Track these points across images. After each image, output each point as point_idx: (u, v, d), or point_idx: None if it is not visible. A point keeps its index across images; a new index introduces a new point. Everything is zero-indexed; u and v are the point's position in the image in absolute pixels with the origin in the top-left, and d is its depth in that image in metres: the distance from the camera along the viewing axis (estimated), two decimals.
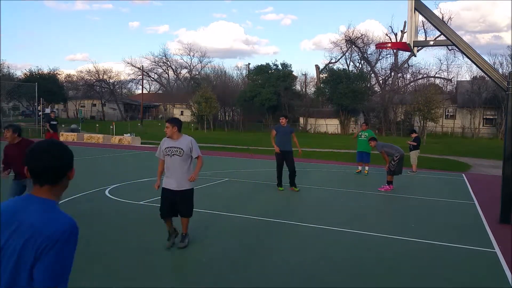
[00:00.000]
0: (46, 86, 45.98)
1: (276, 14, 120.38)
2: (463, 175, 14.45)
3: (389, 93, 44.14)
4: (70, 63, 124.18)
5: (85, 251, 5.40)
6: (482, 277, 4.95)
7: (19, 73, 76.98)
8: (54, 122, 17.61)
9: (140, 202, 8.32)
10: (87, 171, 12.86)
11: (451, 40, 7.72)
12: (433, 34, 41.22)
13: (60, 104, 60.62)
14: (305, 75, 60.40)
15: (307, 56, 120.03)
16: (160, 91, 78.20)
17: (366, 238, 6.35)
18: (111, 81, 61.24)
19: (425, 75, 48.89)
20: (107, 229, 6.54)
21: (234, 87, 52.83)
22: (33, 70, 54.55)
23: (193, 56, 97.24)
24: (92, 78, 59.59)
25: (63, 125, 26.32)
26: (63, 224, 1.59)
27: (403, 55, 47.38)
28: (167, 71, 74.59)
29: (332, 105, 45.29)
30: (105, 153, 18.75)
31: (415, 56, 10.18)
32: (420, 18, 8.40)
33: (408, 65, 48.71)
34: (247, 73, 56.69)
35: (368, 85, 45.46)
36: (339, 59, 52.72)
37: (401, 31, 45.31)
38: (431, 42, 10.12)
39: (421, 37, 36.42)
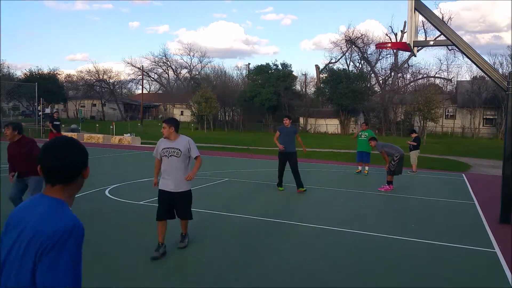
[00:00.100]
0: (46, 86, 46.01)
1: (276, 14, 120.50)
2: (463, 175, 14.45)
3: (389, 93, 44.14)
4: (70, 63, 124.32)
5: (85, 251, 5.38)
6: (482, 277, 4.95)
7: (19, 73, 77.11)
8: (57, 122, 17.56)
9: (140, 202, 8.32)
10: None
11: (451, 40, 7.72)
12: (433, 34, 41.28)
13: (60, 104, 60.62)
14: (305, 75, 60.49)
15: (307, 56, 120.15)
16: (160, 91, 78.21)
17: (366, 238, 6.35)
18: (111, 81, 61.29)
19: (425, 75, 48.93)
20: (107, 229, 6.54)
21: (234, 87, 52.84)
22: (33, 70, 54.66)
23: (193, 56, 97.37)
24: (92, 78, 59.64)
25: (63, 125, 26.26)
26: (65, 224, 1.53)
27: (403, 55, 47.45)
28: (167, 71, 74.63)
29: (332, 105, 45.28)
30: (105, 153, 18.75)
31: (415, 56, 10.18)
32: (420, 18, 8.40)
33: (408, 65, 48.77)
34: (247, 73, 56.69)
35: (368, 85, 45.47)
36: (339, 59, 52.79)
37: (401, 31, 45.33)
38: (431, 42, 10.12)
39: (421, 37, 36.43)
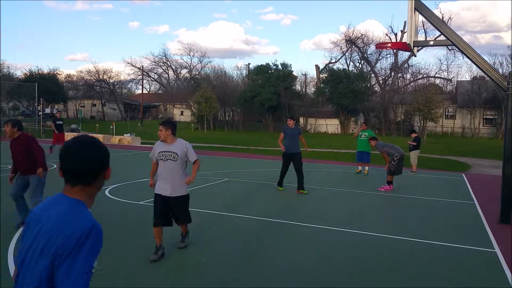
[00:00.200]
0: (46, 86, 45.96)
1: (276, 14, 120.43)
2: (463, 175, 14.45)
3: (389, 93, 44.13)
4: (70, 63, 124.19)
5: None
6: (482, 277, 4.95)
7: (19, 73, 77.07)
8: (60, 122, 17.48)
9: (140, 202, 8.32)
10: None
11: (451, 40, 7.72)
12: (433, 34, 41.26)
13: (60, 104, 60.61)
14: (305, 75, 60.46)
15: (307, 56, 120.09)
16: (160, 91, 78.21)
17: (366, 238, 6.35)
18: (111, 81, 61.24)
19: (425, 75, 48.92)
20: (107, 229, 6.51)
21: (234, 87, 52.81)
22: (33, 70, 54.58)
23: (193, 56, 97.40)
24: (92, 78, 59.61)
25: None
26: (83, 225, 1.49)
27: (403, 55, 47.43)
28: (167, 71, 74.64)
29: (332, 105, 45.27)
30: None
31: (415, 56, 10.18)
32: (420, 18, 8.40)
33: (408, 65, 48.76)
34: (247, 73, 56.67)
35: (368, 85, 45.44)
36: (339, 59, 52.76)
37: (401, 31, 45.32)
38: (431, 42, 10.12)
39: (421, 37, 36.43)
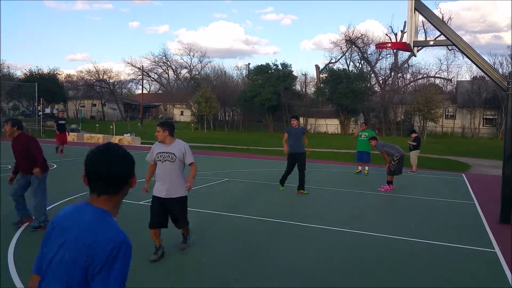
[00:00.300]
0: (46, 86, 45.98)
1: (276, 14, 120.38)
2: (463, 175, 14.45)
3: (389, 93, 44.14)
4: (70, 63, 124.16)
5: None
6: (482, 277, 4.95)
7: (19, 73, 77.05)
8: (63, 122, 17.36)
9: (140, 202, 8.31)
10: None
11: (451, 40, 7.72)
12: (433, 34, 41.26)
13: (60, 104, 60.61)
14: (305, 75, 60.43)
15: (307, 56, 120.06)
16: (160, 91, 78.22)
17: (366, 238, 6.35)
18: (111, 81, 61.27)
19: (425, 75, 48.94)
20: None
21: (234, 87, 52.81)
22: (33, 70, 54.62)
23: (193, 56, 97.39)
24: (92, 78, 59.63)
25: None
26: (114, 238, 1.49)
27: (403, 55, 47.45)
28: (167, 71, 74.66)
29: (332, 105, 45.28)
30: None
31: (415, 56, 10.18)
32: (420, 18, 8.40)
33: (408, 65, 48.77)
34: (247, 73, 56.67)
35: (368, 85, 45.46)
36: (339, 59, 52.79)
37: (401, 31, 45.32)
38: (431, 42, 10.12)
39: (421, 37, 36.43)
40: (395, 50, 42.04)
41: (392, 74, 49.03)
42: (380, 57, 48.82)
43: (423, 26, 40.47)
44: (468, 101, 40.23)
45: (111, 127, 30.46)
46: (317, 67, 55.87)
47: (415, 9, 7.87)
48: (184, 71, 73.96)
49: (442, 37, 8.22)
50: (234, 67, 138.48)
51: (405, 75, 49.72)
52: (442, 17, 43.74)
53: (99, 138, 26.35)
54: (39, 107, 32.72)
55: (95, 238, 1.48)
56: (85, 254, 1.46)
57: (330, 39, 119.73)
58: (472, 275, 5.00)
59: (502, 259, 5.49)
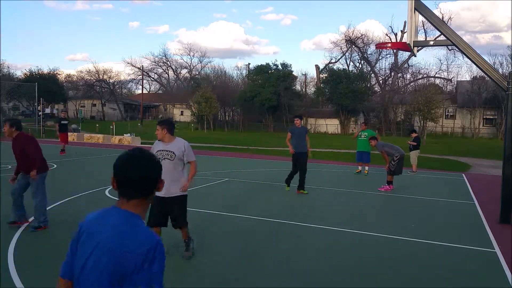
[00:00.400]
0: (46, 86, 45.97)
1: (276, 14, 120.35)
2: (463, 175, 14.45)
3: (389, 93, 44.15)
4: (70, 63, 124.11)
5: None
6: (482, 277, 4.95)
7: (19, 73, 77.03)
8: (65, 122, 17.31)
9: None
10: (87, 171, 12.86)
11: (451, 40, 7.72)
12: (433, 34, 41.25)
13: (60, 104, 60.61)
14: (305, 75, 60.45)
15: (307, 56, 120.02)
16: (160, 91, 78.21)
17: (366, 238, 6.35)
18: (111, 81, 61.27)
19: (425, 75, 48.94)
20: None
21: (234, 87, 52.82)
22: (33, 70, 54.62)
23: (193, 56, 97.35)
24: (92, 78, 59.64)
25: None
26: (148, 241, 1.51)
27: (403, 55, 47.45)
28: (167, 71, 74.65)
29: (332, 105, 45.30)
30: (105, 153, 18.75)
31: (415, 56, 10.19)
32: (420, 18, 8.40)
33: (408, 65, 48.78)
34: (247, 73, 56.68)
35: (368, 85, 45.47)
36: (339, 59, 52.79)
37: (401, 31, 45.32)
38: (431, 42, 10.12)
39: (421, 37, 36.42)
40: (395, 50, 42.04)
41: (392, 74, 49.03)
42: (380, 57, 48.88)
43: (423, 26, 40.51)
44: (468, 101, 40.23)
45: (111, 127, 30.46)
46: (317, 67, 55.89)
47: (415, 9, 7.87)
48: (184, 71, 74.04)
49: (442, 37, 8.22)
50: (234, 67, 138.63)
51: (405, 75, 49.77)
52: (442, 17, 43.74)
53: (99, 138, 26.35)
54: (39, 107, 32.72)
55: (130, 242, 1.50)
56: (120, 258, 1.48)
57: (330, 39, 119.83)
58: (472, 275, 5.00)
59: (502, 259, 5.48)
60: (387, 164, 10.62)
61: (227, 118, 50.07)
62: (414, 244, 6.14)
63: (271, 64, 46.86)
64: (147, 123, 53.27)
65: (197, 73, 70.01)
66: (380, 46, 10.94)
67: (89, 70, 60.17)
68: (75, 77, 62.93)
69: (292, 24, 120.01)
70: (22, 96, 47.14)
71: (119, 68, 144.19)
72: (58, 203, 8.04)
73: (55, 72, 56.47)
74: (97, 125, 36.98)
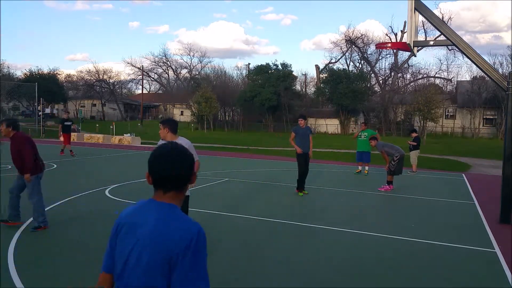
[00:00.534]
0: (46, 86, 45.95)
1: (276, 14, 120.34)
2: (463, 175, 14.45)
3: (389, 93, 44.15)
4: (70, 63, 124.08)
5: (85, 252, 5.40)
6: (482, 277, 4.95)
7: (19, 73, 77.08)
8: (69, 123, 17.18)
9: None
10: (87, 171, 12.86)
11: (451, 40, 7.72)
12: (433, 34, 41.25)
13: (60, 104, 60.62)
14: (305, 75, 60.54)
15: (307, 56, 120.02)
16: (160, 91, 78.21)
17: (366, 238, 6.35)
18: (111, 81, 61.25)
19: (425, 75, 48.95)
20: (107, 229, 6.50)
21: (234, 87, 52.82)
22: (33, 70, 54.60)
23: (193, 56, 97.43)
24: (92, 78, 59.62)
25: (60, 125, 26.29)
26: (192, 231, 1.57)
27: (403, 55, 47.45)
28: (167, 71, 74.67)
29: (332, 105, 45.30)
30: (105, 153, 18.75)
31: (415, 56, 10.18)
32: (420, 18, 8.40)
33: (408, 65, 48.78)
34: (247, 73, 56.68)
35: (368, 85, 45.47)
36: (339, 59, 52.80)
37: (401, 31, 45.33)
38: (431, 42, 10.12)
39: (421, 37, 36.42)
40: (395, 50, 42.04)
41: (392, 74, 49.03)
42: (380, 57, 48.89)
43: (423, 26, 40.50)
44: (468, 101, 40.23)
45: (111, 127, 30.47)
46: (317, 67, 55.90)
47: (415, 9, 7.87)
48: (184, 71, 74.05)
49: (442, 37, 8.22)
50: (234, 67, 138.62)
51: (405, 75, 49.77)
52: (442, 17, 43.74)
53: (99, 138, 26.34)
54: (39, 107, 32.72)
55: (174, 231, 1.55)
56: (166, 248, 1.52)
57: (330, 39, 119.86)
58: (472, 275, 5.00)
59: (502, 259, 5.48)
60: (387, 164, 10.62)
61: (227, 118, 50.07)
62: (414, 244, 6.14)
63: (271, 64, 46.90)
64: (147, 123, 53.27)
65: (197, 73, 70.03)
66: (380, 46, 10.94)
67: (89, 70, 60.23)
68: (75, 77, 62.98)
69: (292, 24, 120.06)
70: (22, 96, 47.14)
71: (119, 68, 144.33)
72: (58, 203, 8.04)
73: (55, 72, 56.49)
74: (97, 125, 36.98)
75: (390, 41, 41.09)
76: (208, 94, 41.94)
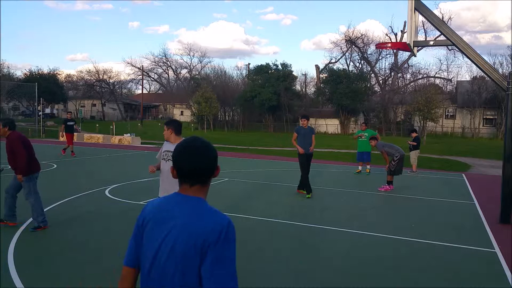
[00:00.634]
0: (46, 86, 46.02)
1: (276, 14, 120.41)
2: (463, 175, 14.45)
3: (389, 93, 44.15)
4: (70, 63, 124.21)
5: (85, 251, 5.40)
6: (482, 277, 4.95)
7: (19, 73, 77.15)
8: (71, 123, 17.07)
9: (140, 202, 8.32)
10: (87, 171, 12.86)
11: (451, 40, 7.72)
12: (433, 34, 41.29)
13: (60, 104, 60.64)
14: (305, 75, 60.51)
15: (307, 56, 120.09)
16: (160, 91, 78.23)
17: (366, 238, 6.35)
18: (111, 81, 61.28)
19: (425, 75, 48.92)
20: (107, 229, 6.53)
21: (234, 87, 52.80)
22: (33, 70, 54.67)
23: (193, 56, 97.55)
24: (92, 78, 59.65)
25: (63, 125, 26.28)
26: (222, 219, 1.60)
27: (403, 55, 47.45)
28: (167, 71, 74.66)
29: (332, 105, 45.29)
30: (105, 153, 18.75)
31: (415, 56, 10.17)
32: (420, 18, 8.40)
33: (408, 65, 48.76)
34: (247, 73, 56.67)
35: (368, 85, 45.45)
36: (339, 59, 52.78)
37: (401, 31, 45.33)
38: (431, 42, 10.12)
39: (421, 37, 36.44)
40: (395, 50, 42.02)
41: (392, 74, 49.03)
42: (380, 57, 48.89)
43: (423, 26, 40.53)
44: (468, 101, 40.23)
45: (111, 127, 30.46)
46: (317, 67, 55.86)
47: (415, 9, 7.87)
48: (184, 71, 74.04)
49: (442, 37, 8.21)
50: (234, 67, 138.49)
51: (405, 75, 49.74)
52: (442, 17, 43.74)
53: (99, 138, 26.34)
54: (39, 107, 32.72)
55: (204, 223, 1.58)
56: (197, 240, 1.55)
57: (330, 39, 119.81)
58: (472, 275, 5.00)
59: (502, 259, 5.48)
60: (387, 164, 10.62)
61: (227, 118, 50.06)
62: (414, 244, 6.14)
63: (271, 64, 46.88)
64: (147, 123, 53.29)
65: (197, 73, 70.00)
66: (380, 46, 10.92)
67: (89, 70, 60.28)
68: (75, 77, 63.04)
69: (292, 24, 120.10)
70: (22, 96, 47.16)
71: (119, 68, 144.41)
72: (58, 203, 8.04)
73: (55, 72, 56.53)
74: (97, 125, 36.98)
75: (390, 41, 41.08)
76: (208, 94, 41.93)
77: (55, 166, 13.55)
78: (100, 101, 61.12)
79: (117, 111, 61.96)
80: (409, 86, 48.02)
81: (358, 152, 13.72)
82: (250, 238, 6.26)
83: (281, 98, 42.84)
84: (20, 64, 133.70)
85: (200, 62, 72.36)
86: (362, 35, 49.37)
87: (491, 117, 40.89)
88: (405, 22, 22.70)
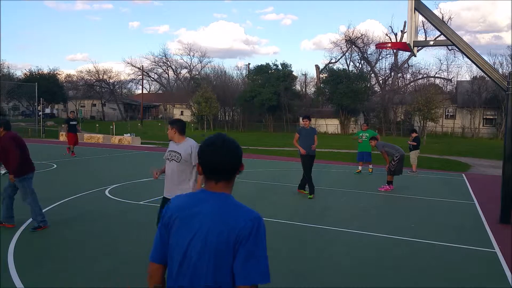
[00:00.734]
0: (46, 86, 46.01)
1: (276, 14, 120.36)
2: (463, 175, 14.44)
3: (389, 93, 44.14)
4: (70, 63, 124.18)
5: (85, 251, 5.40)
6: (482, 277, 4.95)
7: (19, 73, 77.15)
8: (74, 122, 17.04)
9: (140, 202, 8.32)
10: (87, 171, 12.86)
11: (451, 40, 7.72)
12: (433, 34, 41.27)
13: (60, 104, 60.64)
14: (305, 75, 60.53)
15: (307, 56, 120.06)
16: (160, 91, 78.16)
17: (366, 238, 6.35)
18: (111, 81, 61.28)
19: (425, 75, 48.89)
20: (107, 229, 6.53)
21: (234, 87, 52.78)
22: (33, 70, 54.71)
23: (193, 56, 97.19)
24: (92, 78, 59.65)
25: (62, 125, 26.31)
26: (252, 218, 1.61)
27: (403, 55, 47.40)
28: (167, 71, 74.49)
29: (332, 105, 45.28)
30: (105, 153, 18.75)
31: (415, 56, 10.17)
32: (420, 18, 8.40)
33: (408, 65, 48.73)
34: (247, 73, 56.67)
35: (368, 85, 45.45)
36: (339, 59, 52.72)
37: (401, 31, 45.31)
38: (431, 42, 10.12)
39: (421, 37, 36.43)
40: (395, 50, 42.02)
41: (392, 74, 49.02)
42: (380, 57, 48.82)
43: (423, 26, 40.49)
44: (468, 101, 40.22)
45: (111, 127, 30.46)
46: (317, 67, 55.85)
47: (415, 9, 7.86)
48: (184, 71, 73.88)
49: (442, 37, 8.21)
50: (234, 67, 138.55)
51: (405, 75, 49.72)
52: (442, 17, 43.72)
53: (99, 138, 26.35)
54: (39, 107, 32.71)
55: (235, 218, 1.60)
56: (228, 235, 1.57)
57: (330, 39, 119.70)
58: (472, 275, 5.00)
59: (502, 259, 5.49)
60: (387, 164, 10.62)
61: (227, 118, 50.05)
62: (414, 244, 6.14)
63: (271, 64, 46.86)
64: (147, 123, 53.32)
65: (197, 73, 69.93)
66: (380, 46, 10.92)
67: (89, 70, 60.28)
68: (75, 77, 63.03)
69: (292, 24, 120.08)
70: (22, 96, 47.16)
71: (119, 68, 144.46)
72: (58, 203, 8.04)
73: (55, 72, 56.55)
74: (97, 125, 36.99)
75: (390, 41, 41.06)
76: (208, 94, 41.90)
77: (55, 166, 13.55)
78: (100, 101, 61.13)
79: (117, 111, 61.96)
80: (409, 86, 48.00)
81: (358, 152, 13.73)
82: None
83: (281, 98, 42.82)
84: (20, 64, 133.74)
85: (200, 62, 72.29)
86: (362, 35, 49.37)
87: (491, 117, 40.88)
88: (405, 22, 22.71)
